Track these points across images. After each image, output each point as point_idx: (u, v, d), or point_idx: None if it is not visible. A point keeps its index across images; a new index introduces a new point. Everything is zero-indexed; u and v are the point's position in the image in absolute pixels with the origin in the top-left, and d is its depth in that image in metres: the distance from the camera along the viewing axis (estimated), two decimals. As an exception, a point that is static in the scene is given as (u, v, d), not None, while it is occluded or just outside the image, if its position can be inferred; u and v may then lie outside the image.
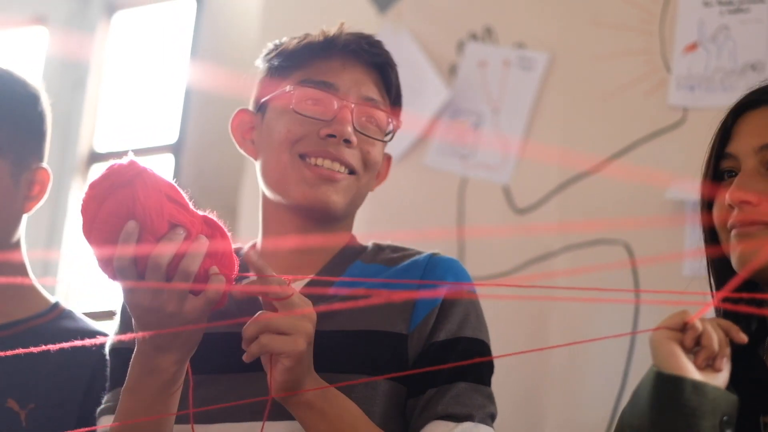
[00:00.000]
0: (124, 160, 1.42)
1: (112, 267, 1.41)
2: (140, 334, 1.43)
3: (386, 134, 1.74)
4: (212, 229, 1.44)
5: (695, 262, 2.26)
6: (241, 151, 1.78)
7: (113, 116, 3.93)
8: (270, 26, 3.03)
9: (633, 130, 2.49)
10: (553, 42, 2.65)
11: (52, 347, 1.44)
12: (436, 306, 1.64)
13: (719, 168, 1.51)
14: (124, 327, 1.67)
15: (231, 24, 3.57)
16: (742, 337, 1.31)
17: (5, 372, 1.84)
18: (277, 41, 1.78)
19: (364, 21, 2.68)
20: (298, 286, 1.62)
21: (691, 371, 1.26)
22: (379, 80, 1.74)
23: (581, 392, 2.41)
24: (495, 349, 1.67)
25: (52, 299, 2.00)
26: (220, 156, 3.28)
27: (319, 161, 1.66)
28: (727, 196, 1.44)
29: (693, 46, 2.45)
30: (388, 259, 1.71)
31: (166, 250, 1.39)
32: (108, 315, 1.79)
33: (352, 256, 1.72)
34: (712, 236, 1.51)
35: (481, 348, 1.64)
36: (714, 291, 1.53)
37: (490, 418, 1.60)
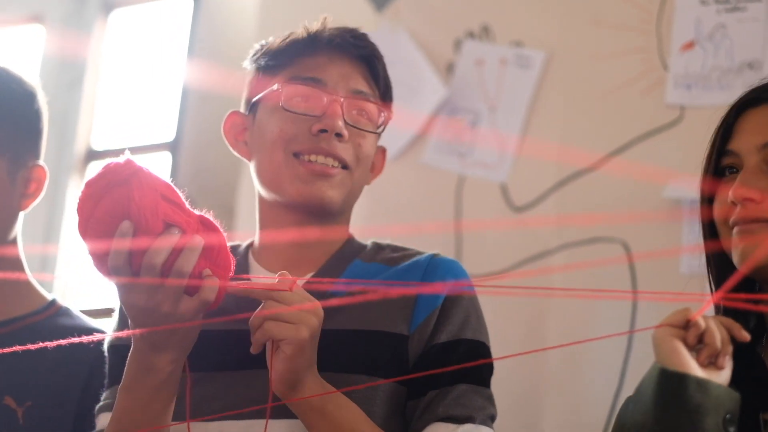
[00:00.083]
0: (121, 159, 1.42)
1: (106, 266, 1.41)
2: (137, 331, 1.43)
3: (378, 126, 1.74)
4: (208, 229, 1.44)
5: (693, 260, 2.27)
6: (235, 153, 1.78)
7: (110, 114, 3.93)
8: (267, 25, 3.04)
9: (630, 128, 2.49)
10: (550, 40, 2.66)
11: (49, 344, 1.44)
12: (437, 307, 1.63)
13: (720, 165, 1.51)
14: (123, 324, 1.67)
15: (228, 22, 3.57)
16: (745, 335, 1.31)
17: (2, 370, 1.84)
18: (263, 41, 1.78)
19: (361, 19, 2.68)
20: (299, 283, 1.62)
21: (695, 368, 1.26)
22: (367, 72, 1.73)
23: (579, 391, 2.42)
24: (493, 349, 1.67)
25: (49, 296, 2.00)
26: (217, 154, 3.28)
27: (313, 157, 1.66)
28: (730, 193, 1.44)
29: (690, 45, 2.45)
30: (388, 259, 1.71)
31: (160, 249, 1.39)
32: (105, 313, 1.80)
33: (351, 254, 1.72)
34: (711, 231, 1.51)
35: (482, 350, 1.64)
36: (713, 288, 1.53)
37: (490, 420, 1.60)
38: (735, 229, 1.45)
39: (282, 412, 1.52)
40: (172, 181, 1.45)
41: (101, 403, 1.67)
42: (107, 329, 1.77)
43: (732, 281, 1.35)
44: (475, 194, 2.68)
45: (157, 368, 1.46)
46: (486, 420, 1.58)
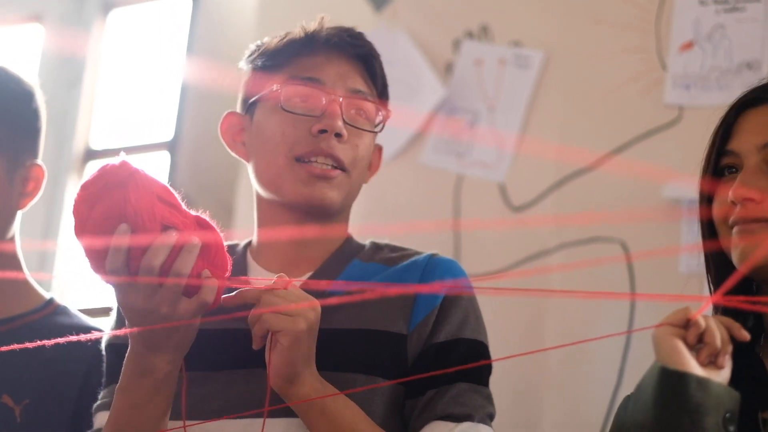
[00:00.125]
0: (116, 161, 1.41)
1: (104, 269, 1.41)
2: (136, 329, 1.43)
3: (376, 125, 1.74)
4: (205, 230, 1.44)
5: (691, 260, 2.27)
6: (233, 154, 1.78)
7: (109, 114, 3.93)
8: (265, 24, 3.03)
9: (629, 128, 2.49)
10: (548, 40, 2.66)
11: (47, 342, 1.44)
12: (436, 306, 1.63)
13: (719, 164, 1.51)
14: (120, 323, 1.66)
15: (227, 21, 3.57)
16: (744, 335, 1.31)
17: (0, 368, 1.85)
18: (258, 42, 1.77)
19: (359, 19, 2.68)
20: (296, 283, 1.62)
21: (695, 367, 1.26)
22: (364, 71, 1.73)
23: (578, 390, 2.42)
24: (492, 349, 1.68)
25: (47, 295, 2.00)
26: (215, 153, 3.27)
27: (313, 158, 1.66)
28: (730, 193, 1.44)
29: (689, 45, 2.45)
30: (386, 259, 1.71)
31: (158, 251, 1.39)
32: (103, 312, 1.79)
33: (349, 254, 1.72)
34: (710, 231, 1.51)
35: (481, 349, 1.64)
36: (712, 288, 1.53)
37: (489, 419, 1.60)
38: (735, 229, 1.45)
39: (281, 410, 1.51)
40: (170, 180, 1.45)
41: (98, 402, 1.67)
42: (105, 328, 1.77)
43: (731, 281, 1.35)
44: (474, 194, 2.68)
45: (154, 369, 1.46)
46: (485, 418, 1.58)
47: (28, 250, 2.03)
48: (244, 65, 1.77)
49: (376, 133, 1.74)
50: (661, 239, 2.39)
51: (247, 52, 1.77)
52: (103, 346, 1.71)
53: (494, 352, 1.67)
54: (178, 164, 3.50)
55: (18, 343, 1.45)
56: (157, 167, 3.55)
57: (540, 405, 2.46)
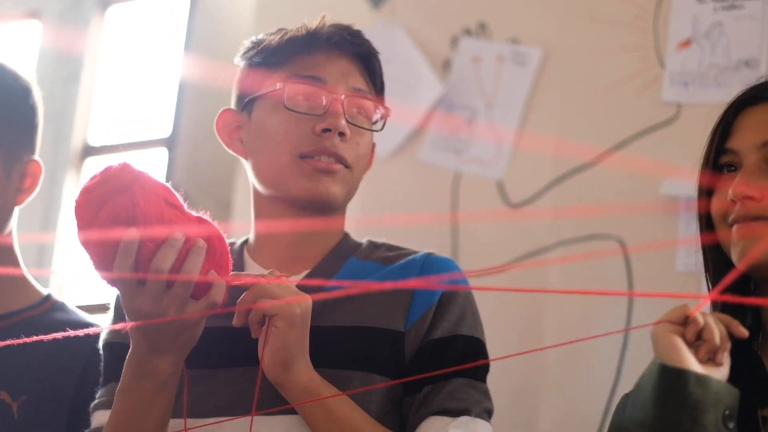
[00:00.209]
0: (117, 164, 1.41)
1: (111, 272, 1.40)
2: (132, 324, 1.43)
3: (375, 123, 1.74)
4: (208, 231, 1.44)
5: (689, 258, 2.27)
6: (229, 151, 1.77)
7: (107, 110, 3.92)
8: (263, 20, 3.03)
9: (627, 126, 2.49)
10: (546, 37, 2.66)
11: (44, 338, 1.43)
12: (434, 304, 1.64)
13: (718, 163, 1.51)
14: (118, 322, 1.66)
15: (225, 18, 3.57)
16: (743, 332, 1.31)
17: (-3, 364, 1.85)
18: (253, 38, 1.77)
19: (357, 16, 2.68)
20: (293, 280, 1.62)
21: (694, 364, 1.26)
22: (365, 70, 1.73)
23: (576, 388, 2.42)
24: (491, 346, 1.68)
25: (44, 291, 2.00)
26: (213, 150, 3.27)
27: (317, 156, 1.66)
28: (730, 191, 1.45)
29: (687, 43, 2.45)
30: (383, 258, 1.71)
31: (167, 256, 1.39)
32: (101, 308, 1.79)
33: (347, 252, 1.72)
34: (708, 224, 1.51)
35: (478, 346, 1.65)
36: (710, 284, 1.53)
37: (486, 414, 1.60)
38: (734, 228, 1.45)
39: (282, 408, 1.52)
40: (168, 177, 1.45)
41: (96, 401, 1.66)
42: (103, 325, 1.77)
43: (728, 279, 1.35)
44: (472, 191, 2.68)
45: (157, 371, 1.46)
46: (482, 413, 1.58)
47: (26, 246, 2.03)
48: (239, 61, 1.76)
49: (377, 131, 1.74)
50: (658, 236, 2.39)
51: (243, 48, 1.76)
52: (100, 345, 1.70)
53: (493, 350, 1.68)
54: (175, 161, 3.49)
55: (15, 340, 1.44)
56: (154, 164, 3.55)
57: (538, 403, 2.46)
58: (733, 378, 1.30)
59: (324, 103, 1.67)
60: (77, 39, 3.90)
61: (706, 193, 1.52)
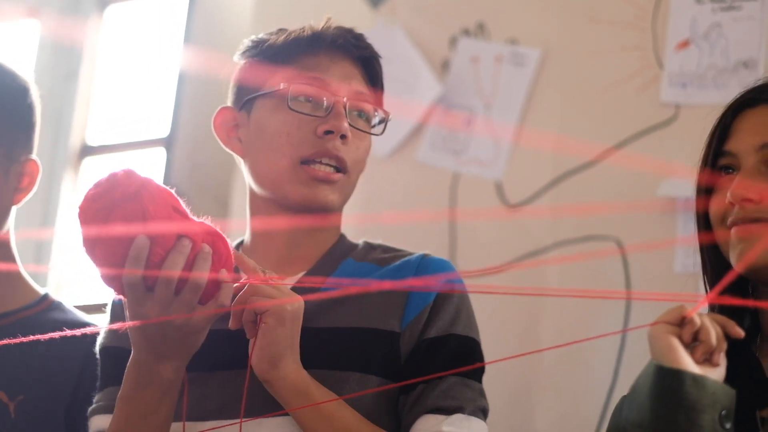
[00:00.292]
0: (121, 170, 1.41)
1: (119, 282, 1.40)
2: (142, 321, 1.43)
3: (374, 126, 1.74)
4: (212, 236, 1.44)
5: (687, 259, 2.27)
6: (227, 149, 1.77)
7: (105, 109, 3.92)
8: (263, 19, 3.03)
9: (625, 126, 2.49)
10: (545, 38, 2.65)
11: (41, 337, 1.43)
12: (429, 304, 1.64)
13: (717, 165, 1.51)
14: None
15: (224, 18, 3.57)
16: (739, 332, 1.31)
17: (-6, 363, 1.85)
18: (254, 37, 1.76)
19: (356, 16, 2.68)
20: (290, 281, 1.62)
21: (690, 365, 1.26)
22: (366, 74, 1.73)
23: (573, 389, 2.42)
24: (488, 348, 1.68)
25: (42, 291, 2.00)
26: (211, 150, 3.27)
27: (317, 159, 1.65)
28: (729, 193, 1.45)
29: (685, 43, 2.45)
30: (379, 259, 1.72)
31: (177, 262, 1.39)
32: (98, 308, 1.79)
33: (343, 253, 1.72)
34: (706, 223, 1.51)
35: (472, 345, 1.65)
36: (708, 286, 1.53)
37: (481, 412, 1.60)
38: (733, 230, 1.45)
39: (275, 410, 1.52)
40: (166, 177, 1.45)
41: (94, 406, 1.66)
42: (100, 325, 1.77)
43: (726, 280, 1.35)
44: (470, 192, 2.68)
45: (160, 378, 1.47)
46: (476, 412, 1.58)
47: (24, 245, 2.03)
48: (238, 59, 1.76)
49: (376, 135, 1.74)
50: (656, 237, 2.39)
51: (243, 47, 1.76)
52: (96, 349, 1.70)
53: (490, 351, 1.68)
54: (173, 161, 3.49)
55: (12, 339, 1.44)
56: (153, 164, 3.55)
57: (535, 404, 2.46)
58: (731, 380, 1.30)
59: (326, 104, 1.66)
60: (76, 37, 3.90)
61: (704, 191, 1.52)
